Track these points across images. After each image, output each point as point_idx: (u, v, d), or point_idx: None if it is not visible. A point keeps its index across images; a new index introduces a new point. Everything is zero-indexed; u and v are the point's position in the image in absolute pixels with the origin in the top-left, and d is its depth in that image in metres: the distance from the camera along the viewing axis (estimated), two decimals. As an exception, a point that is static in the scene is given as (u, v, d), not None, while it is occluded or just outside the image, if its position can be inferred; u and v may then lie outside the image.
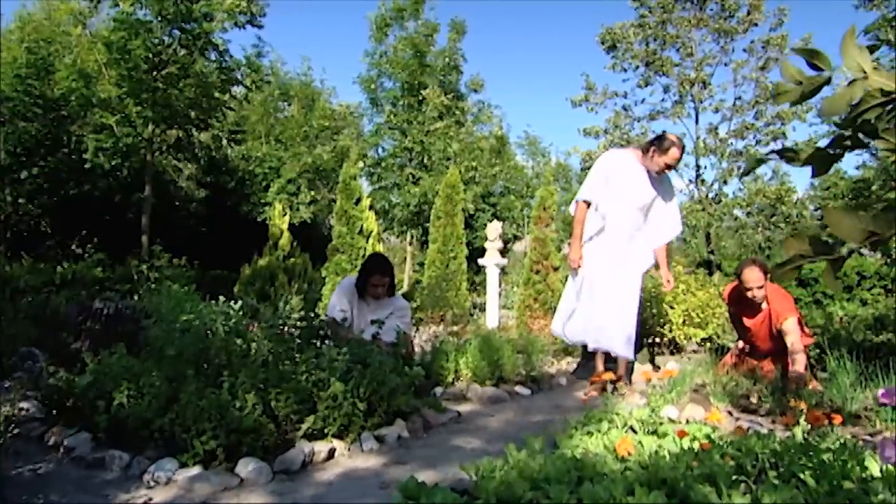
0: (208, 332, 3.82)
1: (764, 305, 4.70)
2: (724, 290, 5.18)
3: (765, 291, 4.60)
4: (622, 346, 4.76)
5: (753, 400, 3.99)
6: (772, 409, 3.78)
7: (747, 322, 4.83)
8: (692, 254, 19.03)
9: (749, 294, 4.59)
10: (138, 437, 3.09)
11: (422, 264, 20.56)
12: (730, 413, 3.85)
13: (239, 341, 3.63)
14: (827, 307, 10.17)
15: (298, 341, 3.92)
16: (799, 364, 4.27)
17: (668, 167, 4.72)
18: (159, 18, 10.54)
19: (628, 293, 4.79)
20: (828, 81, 1.08)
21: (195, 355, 3.54)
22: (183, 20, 10.60)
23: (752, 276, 4.55)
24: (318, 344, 4.04)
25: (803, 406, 3.00)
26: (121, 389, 3.24)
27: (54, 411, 3.59)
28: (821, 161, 1.17)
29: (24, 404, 3.69)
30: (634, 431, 3.23)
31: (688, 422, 2.97)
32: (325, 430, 3.18)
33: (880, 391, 2.16)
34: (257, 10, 11.46)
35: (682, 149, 4.74)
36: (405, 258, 19.45)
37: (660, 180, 4.84)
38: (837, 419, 2.52)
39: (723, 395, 4.06)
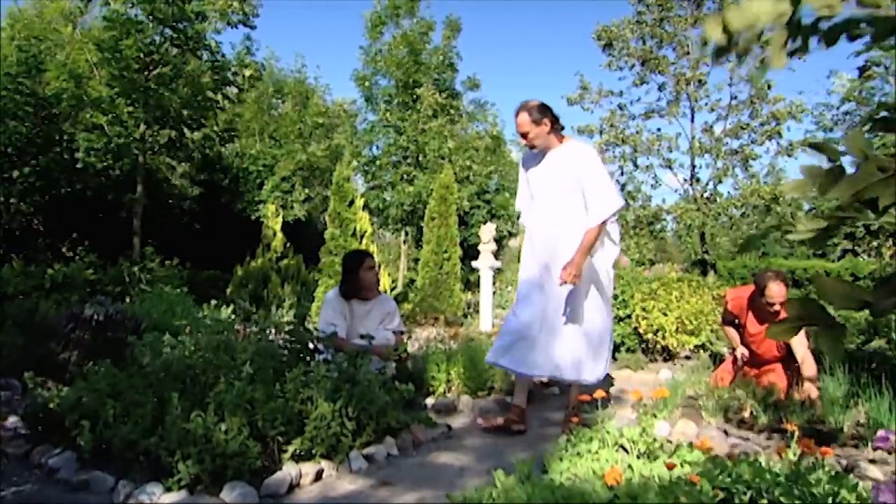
0: (195, 347, 3.79)
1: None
2: (732, 294, 5.05)
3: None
4: (570, 370, 3.94)
5: (746, 415, 3.96)
6: (766, 426, 3.76)
7: (756, 329, 4.80)
8: (687, 251, 19.02)
9: (772, 309, 4.58)
10: (124, 458, 3.05)
11: (416, 260, 20.57)
12: (724, 432, 3.82)
13: (226, 358, 3.59)
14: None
15: (287, 356, 3.89)
16: (811, 389, 4.24)
17: (522, 136, 3.97)
18: (151, 18, 10.44)
19: (572, 303, 3.92)
20: (842, 172, 1.08)
21: (182, 371, 3.51)
22: (175, 20, 10.50)
23: (780, 290, 4.54)
24: (307, 358, 4.01)
25: (795, 428, 2.97)
26: (106, 408, 3.20)
27: (39, 428, 3.55)
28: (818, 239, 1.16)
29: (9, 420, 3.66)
30: (626, 451, 3.21)
31: (678, 447, 2.92)
32: (313, 451, 3.14)
33: (877, 435, 2.13)
34: (250, 10, 11.38)
35: (517, 112, 3.94)
36: (399, 255, 19.43)
37: (559, 160, 3.94)
38: (829, 452, 2.49)
39: (715, 410, 4.03)
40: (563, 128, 3.98)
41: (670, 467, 2.35)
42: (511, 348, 3.98)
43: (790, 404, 3.96)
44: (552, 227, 3.95)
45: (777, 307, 4.60)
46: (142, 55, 10.66)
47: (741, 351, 4.85)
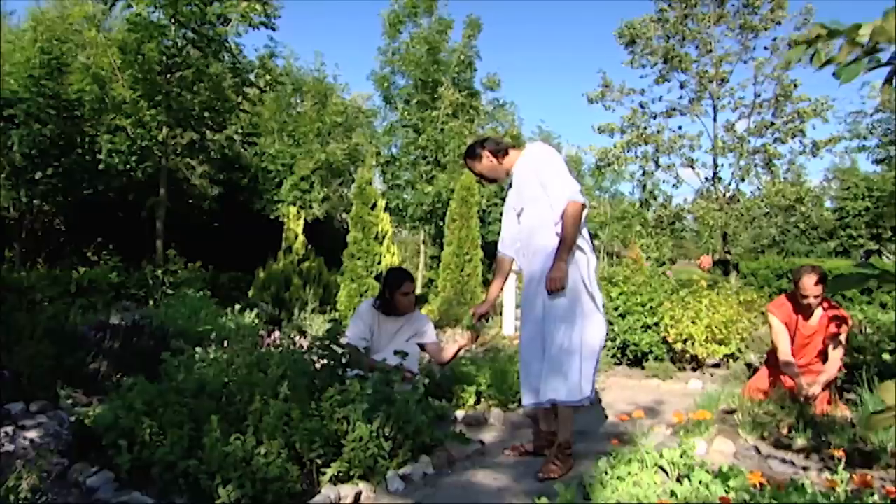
0: (228, 363, 3.78)
1: (819, 312, 4.75)
2: (775, 306, 4.97)
3: (821, 298, 4.68)
4: (562, 391, 3.52)
5: (784, 432, 3.91)
6: (805, 445, 3.70)
7: (810, 330, 4.79)
8: (704, 247, 18.91)
9: (805, 302, 4.64)
10: (162, 479, 3.04)
11: (433, 258, 20.54)
12: (757, 450, 3.76)
13: (261, 375, 3.58)
14: (846, 310, 10.03)
15: (319, 372, 3.87)
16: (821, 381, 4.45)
17: (483, 179, 3.97)
18: (173, 21, 10.46)
19: (551, 318, 3.56)
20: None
21: (217, 390, 3.50)
22: (197, 23, 10.50)
23: (809, 284, 4.58)
24: (341, 372, 3.99)
25: (841, 453, 2.92)
26: (142, 427, 3.20)
27: (75, 444, 3.55)
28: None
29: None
30: (665, 472, 3.17)
31: (722, 472, 2.87)
32: (351, 473, 3.12)
33: None
34: (272, 12, 11.37)
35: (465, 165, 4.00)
36: (417, 251, 19.41)
37: (521, 172, 3.78)
38: (892, 492, 2.43)
39: (752, 427, 3.97)
40: (508, 147, 3.85)
41: (725, 502, 2.30)
42: (524, 379, 3.79)
43: (828, 421, 3.90)
44: (530, 240, 3.72)
45: (811, 300, 4.63)
46: (164, 58, 10.69)
47: (784, 356, 4.76)
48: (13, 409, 4.40)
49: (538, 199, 3.63)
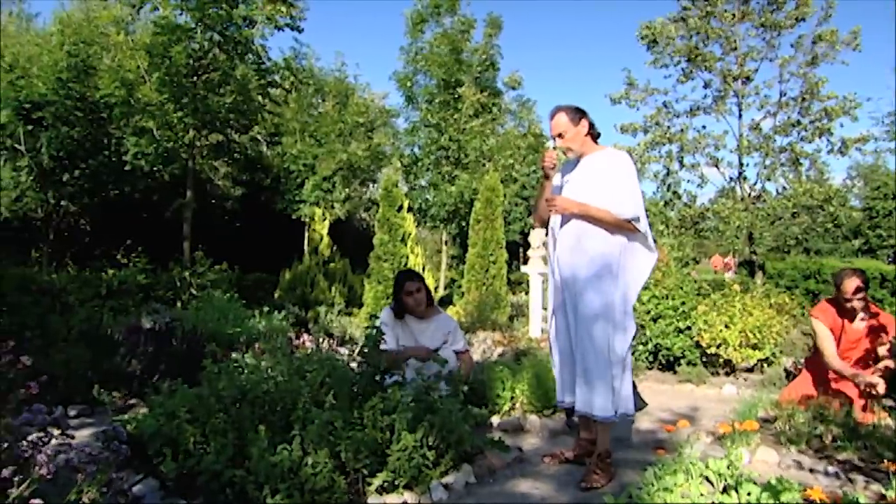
0: (269, 372, 3.79)
1: (861, 314, 4.76)
2: (818, 311, 4.93)
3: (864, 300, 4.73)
4: (593, 403, 3.50)
5: (828, 442, 3.85)
6: (850, 457, 3.64)
7: (853, 335, 4.78)
8: (724, 246, 18.73)
9: (849, 305, 4.68)
10: (208, 488, 3.05)
11: (454, 257, 20.50)
12: (800, 461, 3.71)
13: (301, 382, 3.58)
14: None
15: (359, 379, 3.86)
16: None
17: (557, 138, 3.68)
18: (200, 23, 10.51)
19: (584, 321, 3.54)
20: None
21: (259, 398, 3.50)
22: (224, 25, 10.56)
23: (852, 286, 4.64)
24: (380, 379, 3.97)
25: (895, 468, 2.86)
26: (186, 435, 3.21)
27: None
28: None
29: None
30: (711, 483, 3.13)
31: (770, 485, 2.83)
32: (396, 483, 3.12)
33: None
34: (297, 14, 11.41)
35: (553, 114, 3.70)
36: (438, 250, 19.41)
37: (593, 164, 3.66)
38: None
39: (795, 437, 3.92)
40: (599, 135, 3.75)
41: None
42: (559, 378, 3.81)
43: (873, 431, 3.84)
44: (571, 239, 3.61)
45: (855, 303, 4.67)
46: (191, 61, 10.75)
47: (832, 361, 4.72)
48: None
49: (597, 200, 3.53)
